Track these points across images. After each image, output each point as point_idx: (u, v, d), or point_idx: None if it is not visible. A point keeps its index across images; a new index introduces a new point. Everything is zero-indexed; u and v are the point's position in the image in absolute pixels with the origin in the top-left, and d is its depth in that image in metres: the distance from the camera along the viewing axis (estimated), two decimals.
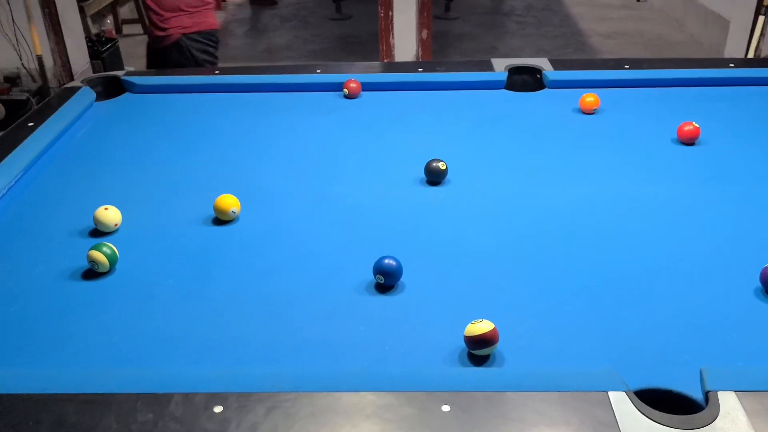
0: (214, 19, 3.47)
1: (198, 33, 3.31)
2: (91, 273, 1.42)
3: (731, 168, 1.80)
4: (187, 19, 3.28)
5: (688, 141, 1.92)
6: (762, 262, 1.34)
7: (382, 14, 4.13)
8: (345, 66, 2.57)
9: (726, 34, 4.64)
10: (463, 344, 1.19)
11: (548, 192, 1.71)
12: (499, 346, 1.18)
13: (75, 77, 4.11)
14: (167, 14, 3.26)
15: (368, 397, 1.05)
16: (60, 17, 4.29)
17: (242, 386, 1.07)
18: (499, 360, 1.18)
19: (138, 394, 1.06)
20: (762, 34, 3.40)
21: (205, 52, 3.34)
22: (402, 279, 1.37)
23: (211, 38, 3.39)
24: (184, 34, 3.27)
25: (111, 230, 1.56)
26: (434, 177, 1.75)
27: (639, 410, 1.01)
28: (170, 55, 3.30)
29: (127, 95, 2.35)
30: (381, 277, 1.35)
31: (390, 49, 4.20)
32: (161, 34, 3.29)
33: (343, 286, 1.38)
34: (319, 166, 1.88)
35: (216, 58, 3.43)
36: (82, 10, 4.90)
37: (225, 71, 2.44)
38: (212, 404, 1.04)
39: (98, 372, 1.14)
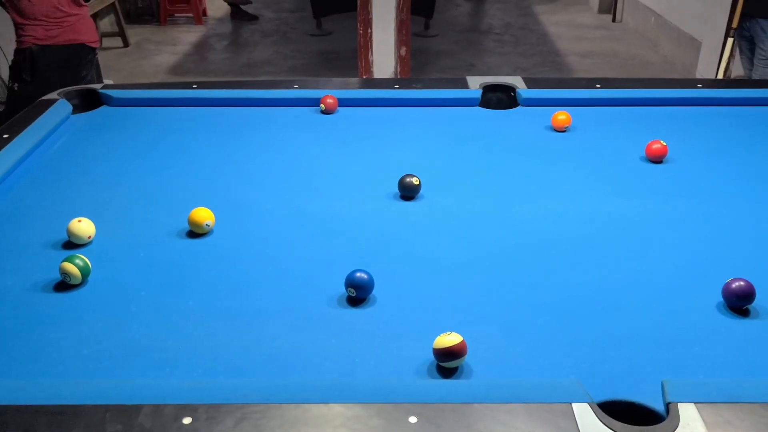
0: (86, 33, 3.19)
1: (53, 47, 3.06)
2: (64, 285, 1.42)
3: (697, 185, 1.85)
4: (42, 31, 3.05)
5: (656, 159, 1.96)
6: (725, 278, 1.38)
7: (361, 31, 4.18)
8: (322, 82, 2.59)
9: (698, 55, 4.75)
10: (432, 357, 1.21)
11: (519, 208, 1.74)
12: (467, 359, 1.20)
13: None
14: (22, 21, 3.03)
15: (337, 409, 1.06)
16: None
17: (212, 398, 1.08)
18: (467, 372, 1.20)
19: (107, 406, 1.06)
20: (731, 56, 3.49)
21: (58, 70, 3.04)
22: (373, 292, 1.39)
23: (72, 55, 3.09)
24: (35, 45, 3.04)
25: (84, 242, 1.56)
26: (408, 192, 1.77)
27: (601, 421, 1.04)
28: (22, 67, 3.05)
29: (104, 108, 2.36)
30: (352, 290, 1.37)
31: (369, 65, 4.24)
32: (17, 42, 3.06)
33: (315, 299, 1.39)
34: (295, 181, 1.89)
35: (81, 78, 3.10)
36: None
37: (203, 85, 2.46)
38: (181, 415, 1.04)
39: (68, 384, 1.14)
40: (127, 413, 1.05)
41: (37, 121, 2.11)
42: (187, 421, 1.04)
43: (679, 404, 1.06)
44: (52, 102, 2.25)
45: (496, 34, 6.88)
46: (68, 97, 2.31)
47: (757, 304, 1.35)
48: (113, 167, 1.97)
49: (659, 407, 1.10)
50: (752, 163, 1.96)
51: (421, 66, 5.74)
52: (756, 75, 3.26)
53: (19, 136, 1.99)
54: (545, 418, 1.04)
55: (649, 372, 1.19)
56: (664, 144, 1.96)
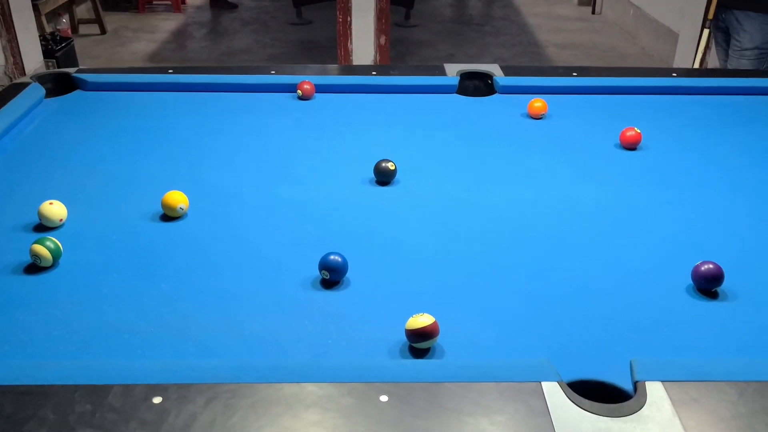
0: None
1: None
2: (34, 267, 1.40)
3: (670, 172, 1.87)
4: None
5: (630, 146, 1.98)
6: (694, 261, 1.39)
7: (340, 20, 4.16)
8: (299, 68, 2.59)
9: (675, 47, 4.79)
10: (404, 338, 1.21)
11: (493, 194, 1.75)
12: (439, 340, 1.21)
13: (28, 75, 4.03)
14: None
15: (309, 388, 1.07)
16: (13, 15, 4.21)
17: (182, 377, 1.08)
18: (439, 353, 1.20)
19: (76, 386, 1.05)
20: (707, 47, 3.52)
21: None
22: (347, 275, 1.39)
23: None
24: None
25: (56, 225, 1.55)
26: (383, 177, 1.78)
27: (570, 399, 1.05)
28: None
29: (78, 92, 2.33)
30: (326, 272, 1.37)
31: (348, 54, 4.23)
32: None
33: (289, 282, 1.39)
34: (270, 166, 1.89)
35: None
36: (36, 9, 4.82)
37: (179, 70, 2.43)
38: (151, 395, 1.04)
39: (37, 364, 1.13)
40: (96, 393, 1.04)
41: (8, 104, 2.08)
42: (157, 400, 1.03)
43: (646, 383, 1.08)
44: (24, 85, 2.22)
45: (477, 24, 6.88)
46: (41, 81, 2.28)
47: (725, 286, 1.37)
48: (87, 151, 1.95)
49: (627, 386, 1.12)
50: (723, 151, 1.98)
51: (401, 56, 5.73)
52: (731, 66, 3.29)
53: None
54: (515, 397, 1.05)
55: (618, 353, 1.21)
56: (638, 131, 1.98)
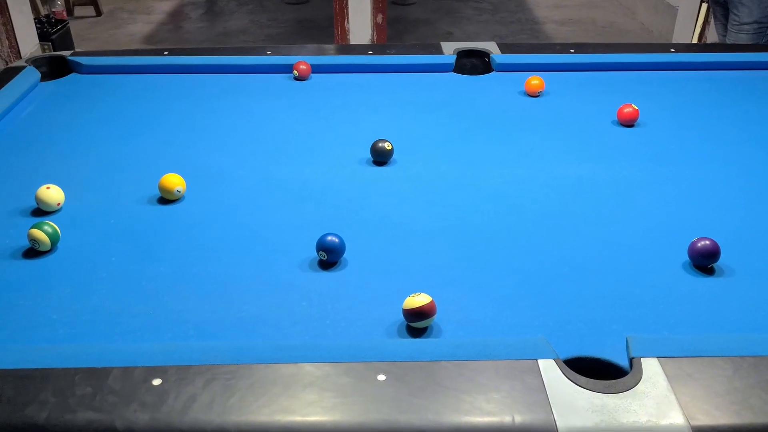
0: None
1: None
2: (32, 252, 1.41)
3: (667, 149, 1.86)
4: None
5: (628, 123, 1.97)
6: (691, 238, 1.40)
7: None
8: (295, 48, 2.56)
9: (674, 22, 4.75)
10: (401, 317, 1.22)
11: (490, 173, 1.75)
12: (436, 320, 1.22)
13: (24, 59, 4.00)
14: None
15: (306, 368, 1.07)
16: None
17: (181, 359, 1.08)
18: (436, 332, 1.21)
19: (76, 369, 1.06)
20: (706, 21, 3.49)
21: None
22: (344, 256, 1.40)
23: None
24: None
25: (53, 209, 1.55)
26: (380, 157, 1.77)
27: (566, 376, 1.06)
28: None
29: (73, 75, 2.32)
30: (323, 253, 1.37)
31: (345, 33, 4.20)
32: None
33: (286, 263, 1.39)
34: (267, 147, 1.88)
35: None
36: None
37: (174, 52, 2.42)
38: (151, 377, 1.05)
39: (36, 348, 1.13)
40: (96, 376, 1.05)
41: (4, 88, 2.07)
42: (156, 382, 1.04)
43: (642, 359, 1.09)
44: (19, 69, 2.21)
45: (475, 2, 6.82)
46: (36, 64, 2.27)
47: (721, 263, 1.37)
48: (83, 135, 1.94)
49: (623, 362, 1.13)
50: (722, 126, 1.98)
51: (399, 34, 5.69)
52: (729, 40, 3.27)
53: None
54: (512, 374, 1.06)
55: (614, 330, 1.21)
56: (636, 108, 1.97)
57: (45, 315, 1.25)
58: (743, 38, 3.18)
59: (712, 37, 3.72)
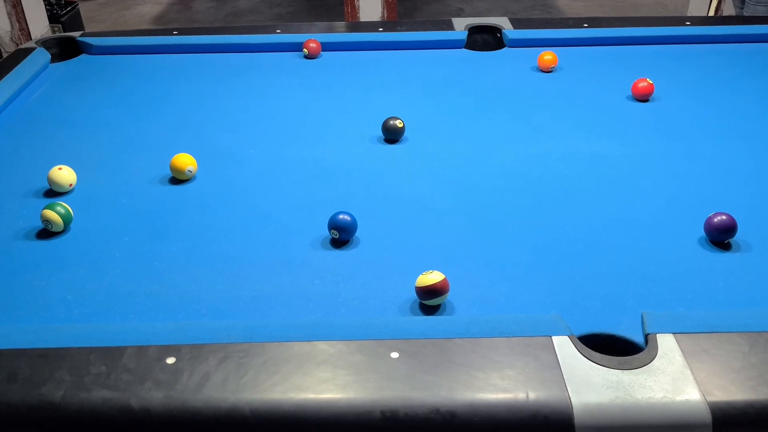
0: None
1: None
2: (46, 233, 1.41)
3: (683, 123, 1.84)
4: None
5: (642, 97, 1.95)
6: (707, 213, 1.38)
7: None
8: (305, 26, 2.54)
9: None
10: (414, 295, 1.22)
11: (504, 149, 1.73)
12: (449, 297, 1.21)
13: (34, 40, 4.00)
14: None
15: (320, 346, 1.07)
16: None
17: (195, 338, 1.09)
18: (450, 310, 1.21)
19: (91, 348, 1.07)
20: None
21: None
22: (357, 234, 1.39)
23: None
24: None
25: (66, 190, 1.55)
26: (391, 135, 1.76)
27: (581, 353, 1.05)
28: None
29: (83, 56, 2.32)
30: (335, 232, 1.37)
31: (355, 11, 4.16)
32: None
33: (299, 242, 1.39)
34: (278, 126, 1.87)
35: None
36: None
37: (183, 32, 2.41)
38: (165, 356, 1.05)
39: (52, 328, 1.14)
40: (111, 355, 1.05)
41: (14, 70, 2.07)
42: (170, 360, 1.04)
43: (657, 335, 1.08)
44: (30, 51, 2.21)
45: None
46: (46, 45, 2.27)
47: (737, 238, 1.36)
48: (94, 116, 1.94)
49: (638, 339, 1.12)
50: (738, 101, 1.95)
51: (409, 12, 5.63)
52: (746, 13, 3.21)
53: None
54: (525, 351, 1.06)
55: (629, 306, 1.20)
56: (651, 82, 1.94)
57: (59, 295, 1.25)
58: (761, 10, 3.12)
59: (728, 9, 3.65)
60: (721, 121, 1.84)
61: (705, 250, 1.35)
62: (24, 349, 1.07)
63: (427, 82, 2.11)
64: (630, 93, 1.97)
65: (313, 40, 2.27)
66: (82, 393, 0.99)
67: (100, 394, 0.99)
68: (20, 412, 0.98)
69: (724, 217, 1.35)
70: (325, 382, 1.01)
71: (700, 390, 0.98)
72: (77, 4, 4.86)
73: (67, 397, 0.99)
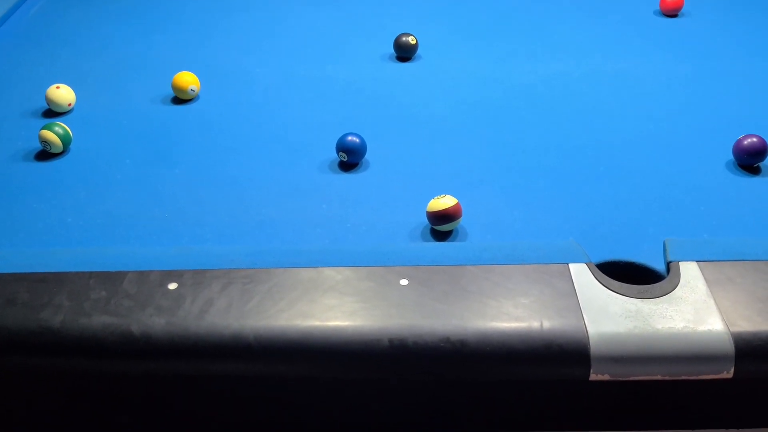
0: None
1: None
2: (44, 154, 1.37)
3: (714, 41, 1.76)
4: None
5: (671, 12, 1.86)
6: (736, 137, 1.31)
7: None
8: None
9: None
10: (425, 221, 1.17)
11: (522, 68, 1.67)
12: (462, 223, 1.17)
13: None
14: None
15: (326, 272, 1.03)
16: None
17: (198, 263, 1.05)
18: (462, 236, 1.16)
19: (91, 272, 1.03)
20: None
21: None
22: (366, 157, 1.34)
23: None
24: None
25: (64, 110, 1.50)
26: (404, 52, 1.69)
27: (598, 280, 1.00)
28: None
29: None
30: (344, 154, 1.32)
31: None
32: None
33: (306, 165, 1.34)
34: (284, 44, 1.81)
35: None
36: None
37: None
38: (167, 281, 1.02)
39: (51, 252, 1.11)
40: (111, 279, 1.02)
41: None
42: (172, 286, 1.01)
43: (680, 263, 1.03)
44: None
45: None
46: None
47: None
48: (94, 33, 1.89)
49: (660, 267, 1.07)
50: None
51: None
52: None
53: None
54: (541, 279, 1.01)
55: (651, 233, 1.15)
56: None
57: (59, 218, 1.22)
58: None
59: None
60: (755, 38, 1.76)
61: (733, 174, 1.29)
62: (23, 273, 1.04)
63: None
64: (658, 8, 1.88)
65: None
66: (82, 318, 0.97)
67: (100, 320, 0.96)
68: (19, 337, 0.96)
69: (755, 140, 1.28)
70: (331, 309, 0.98)
71: (723, 320, 0.93)
72: None
73: (67, 323, 0.96)
